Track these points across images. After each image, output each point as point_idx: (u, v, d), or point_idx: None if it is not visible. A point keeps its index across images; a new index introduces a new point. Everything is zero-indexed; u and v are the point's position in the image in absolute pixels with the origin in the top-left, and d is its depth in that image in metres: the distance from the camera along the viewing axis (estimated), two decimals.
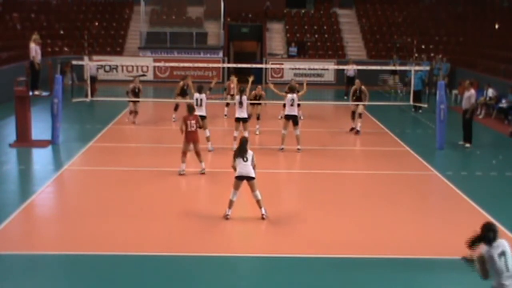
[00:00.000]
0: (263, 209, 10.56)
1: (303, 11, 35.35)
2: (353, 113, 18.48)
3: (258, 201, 10.51)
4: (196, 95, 15.74)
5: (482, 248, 6.25)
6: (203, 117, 15.50)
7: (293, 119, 15.44)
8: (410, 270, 8.76)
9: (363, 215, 11.08)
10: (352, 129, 18.53)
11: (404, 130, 19.17)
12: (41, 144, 15.91)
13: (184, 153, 13.12)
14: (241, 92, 15.58)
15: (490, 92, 21.82)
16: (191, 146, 13.08)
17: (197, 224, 10.44)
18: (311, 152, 15.64)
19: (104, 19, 33.95)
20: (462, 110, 16.81)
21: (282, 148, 15.56)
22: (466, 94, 16.70)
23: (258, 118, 18.28)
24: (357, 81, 18.87)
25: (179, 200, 12.08)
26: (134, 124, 19.00)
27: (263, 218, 10.48)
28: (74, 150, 15.51)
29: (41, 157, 15.09)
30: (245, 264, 8.90)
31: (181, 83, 19.14)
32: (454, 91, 26.49)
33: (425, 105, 19.81)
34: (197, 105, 15.40)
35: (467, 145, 16.44)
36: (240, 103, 15.38)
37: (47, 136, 16.28)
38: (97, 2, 34.96)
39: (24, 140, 15.87)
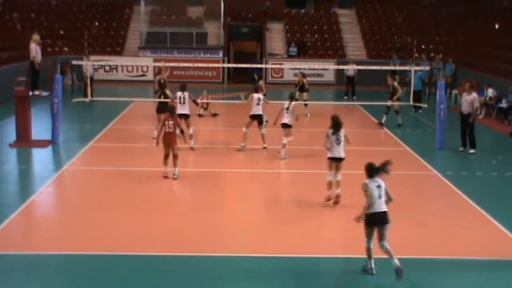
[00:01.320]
0: (339, 189, 11.29)
1: (303, 11, 35.34)
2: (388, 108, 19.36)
3: (337, 182, 11.27)
4: (179, 93, 15.63)
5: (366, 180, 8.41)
6: (186, 116, 15.50)
7: (258, 119, 15.55)
8: (410, 270, 8.75)
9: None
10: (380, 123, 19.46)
11: (404, 130, 19.16)
12: (41, 144, 15.91)
13: (165, 156, 12.85)
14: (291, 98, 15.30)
15: (490, 92, 21.81)
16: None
17: (197, 224, 10.44)
18: (311, 152, 15.63)
19: (104, 19, 33.95)
20: (462, 114, 15.95)
21: (244, 146, 15.56)
22: (468, 97, 15.85)
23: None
24: (387, 77, 19.73)
25: (179, 200, 12.09)
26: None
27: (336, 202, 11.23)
28: (74, 150, 15.51)
29: (41, 157, 15.09)
30: (245, 264, 8.90)
31: (157, 77, 19.06)
32: (454, 91, 26.51)
33: (425, 105, 19.82)
34: (180, 103, 15.38)
35: (472, 150, 15.86)
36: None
37: (47, 136, 16.28)
38: (97, 2, 34.96)
39: (24, 140, 15.87)
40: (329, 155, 11.32)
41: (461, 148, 16.14)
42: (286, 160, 14.94)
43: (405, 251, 9.39)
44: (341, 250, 9.45)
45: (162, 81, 17.76)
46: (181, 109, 15.31)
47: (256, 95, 15.61)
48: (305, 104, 21.25)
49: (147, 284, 8.12)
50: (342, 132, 11.32)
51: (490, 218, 10.87)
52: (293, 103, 15.06)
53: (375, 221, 8.32)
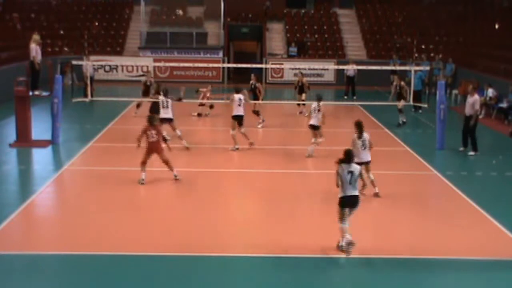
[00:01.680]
0: (376, 188, 11.79)
1: (303, 11, 35.34)
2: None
3: (372, 181, 11.58)
4: (161, 97, 15.61)
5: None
6: (170, 120, 15.48)
7: (239, 120, 15.59)
8: (410, 270, 8.76)
9: (363, 215, 11.06)
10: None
11: (404, 130, 19.17)
12: (41, 144, 15.91)
13: (143, 163, 12.60)
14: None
15: (490, 92, 21.80)
16: (153, 156, 12.58)
17: (197, 224, 10.44)
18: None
19: (104, 19, 33.95)
20: (465, 116, 16.00)
21: (237, 148, 15.60)
22: (470, 99, 15.86)
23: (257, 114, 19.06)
24: (395, 77, 19.91)
25: (179, 200, 12.08)
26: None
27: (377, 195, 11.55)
28: (74, 150, 15.51)
29: (41, 157, 15.09)
30: (245, 264, 8.90)
31: (144, 78, 19.32)
32: (454, 91, 26.51)
33: (425, 105, 19.82)
34: (163, 107, 15.37)
35: (471, 153, 15.78)
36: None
37: (47, 136, 16.29)
38: (97, 2, 34.96)
39: (24, 140, 15.87)
40: (357, 160, 11.04)
41: (461, 148, 16.12)
42: (286, 160, 14.95)
43: (405, 251, 9.40)
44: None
45: (148, 83, 17.90)
46: (164, 113, 15.37)
47: (236, 96, 15.64)
48: (303, 104, 21.25)
49: (147, 284, 8.11)
50: (366, 137, 11.74)
51: (490, 218, 10.87)
52: (321, 103, 15.11)
53: (347, 204, 9.07)
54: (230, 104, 15.92)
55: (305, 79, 21.65)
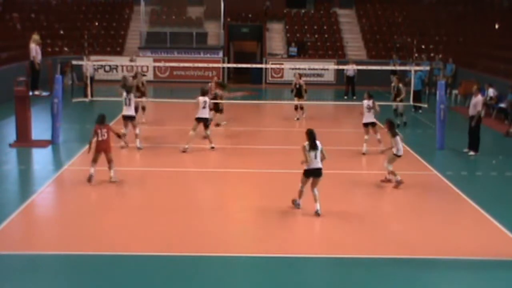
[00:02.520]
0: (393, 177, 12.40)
1: (303, 11, 35.35)
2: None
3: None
4: (124, 94, 15.51)
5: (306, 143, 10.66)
6: (132, 117, 15.39)
7: (204, 122, 15.60)
8: (410, 270, 8.76)
9: (363, 215, 11.08)
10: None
11: (404, 130, 19.13)
12: (41, 144, 15.91)
13: (93, 161, 12.56)
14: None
15: (491, 92, 21.78)
16: (102, 155, 12.51)
17: (197, 224, 10.44)
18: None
19: (104, 19, 33.96)
20: (469, 116, 15.99)
21: (187, 148, 15.43)
22: (473, 100, 15.87)
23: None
24: (394, 77, 19.74)
25: (179, 200, 12.07)
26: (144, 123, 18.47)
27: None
28: (74, 150, 15.50)
29: (41, 157, 15.09)
30: (245, 264, 8.90)
31: (134, 81, 18.26)
32: (454, 91, 26.51)
33: (425, 105, 19.81)
34: (125, 104, 15.29)
35: (471, 153, 15.75)
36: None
37: (47, 136, 16.28)
38: (97, 2, 34.96)
39: (24, 140, 15.87)
40: (400, 153, 12.61)
41: (465, 150, 16.03)
42: (286, 160, 14.94)
43: (405, 251, 9.40)
44: (342, 250, 9.43)
45: (140, 85, 17.80)
46: (126, 111, 15.31)
47: (201, 98, 15.53)
48: (301, 108, 20.45)
49: (147, 284, 8.11)
50: (398, 139, 12.61)
51: (490, 218, 10.87)
52: (372, 100, 15.57)
53: (312, 174, 10.80)
54: (195, 105, 15.64)
55: (302, 81, 20.33)
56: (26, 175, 13.64)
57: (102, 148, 12.50)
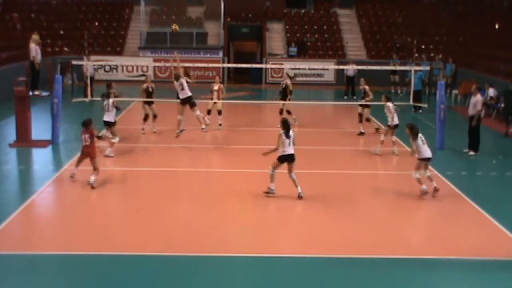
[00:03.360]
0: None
1: (303, 11, 35.34)
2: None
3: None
4: (105, 101, 15.15)
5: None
6: (111, 123, 15.14)
7: (188, 102, 16.05)
8: (410, 270, 8.76)
9: (363, 215, 11.09)
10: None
11: (404, 130, 19.09)
12: (41, 144, 15.91)
13: (77, 163, 12.66)
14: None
15: (491, 91, 21.77)
16: (87, 160, 12.44)
17: (197, 224, 10.44)
18: (311, 152, 15.60)
19: (104, 19, 33.95)
20: (469, 116, 15.97)
21: (182, 130, 15.98)
22: (472, 99, 15.89)
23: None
24: (361, 80, 18.64)
25: (179, 200, 12.08)
26: (154, 134, 17.67)
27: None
28: (74, 150, 15.44)
29: (41, 157, 15.09)
30: (245, 264, 8.90)
31: (144, 85, 17.78)
32: (454, 91, 26.50)
33: (425, 105, 19.80)
34: (106, 110, 15.03)
35: (471, 153, 15.73)
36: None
37: (47, 136, 16.29)
38: (97, 2, 34.95)
39: (24, 140, 15.87)
40: (423, 156, 12.07)
41: (465, 150, 16.02)
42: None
43: (405, 251, 9.40)
44: (342, 250, 9.43)
45: (150, 89, 17.70)
46: (106, 117, 15.03)
47: (177, 83, 16.11)
48: (289, 112, 18.59)
49: (146, 284, 8.11)
50: (420, 138, 12.36)
51: (490, 218, 10.87)
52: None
53: (286, 159, 11.54)
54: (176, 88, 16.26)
55: (289, 81, 18.84)
56: (26, 175, 13.64)
57: (86, 153, 12.46)
